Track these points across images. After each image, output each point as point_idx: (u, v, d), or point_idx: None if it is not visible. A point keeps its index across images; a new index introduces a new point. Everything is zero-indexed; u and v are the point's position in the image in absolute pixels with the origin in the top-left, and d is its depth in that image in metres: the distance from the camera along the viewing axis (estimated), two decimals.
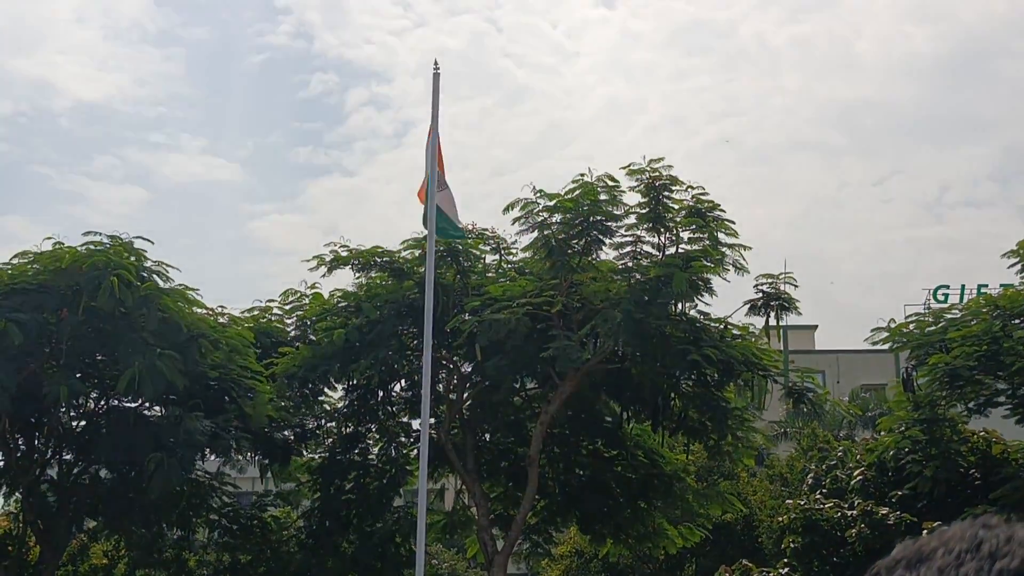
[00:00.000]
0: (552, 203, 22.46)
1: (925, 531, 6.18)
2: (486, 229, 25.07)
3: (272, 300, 28.17)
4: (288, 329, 27.55)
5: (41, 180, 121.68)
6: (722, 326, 23.15)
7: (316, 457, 27.88)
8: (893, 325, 24.14)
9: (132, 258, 22.31)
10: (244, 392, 23.81)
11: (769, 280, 22.98)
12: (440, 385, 25.97)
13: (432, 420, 24.35)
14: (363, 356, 23.74)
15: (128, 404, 24.82)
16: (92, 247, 22.21)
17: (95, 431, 25.20)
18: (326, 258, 25.18)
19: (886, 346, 25.21)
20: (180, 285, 23.44)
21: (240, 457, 26.01)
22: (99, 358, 24.01)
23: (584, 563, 36.59)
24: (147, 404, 24.93)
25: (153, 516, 25.83)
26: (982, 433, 24.12)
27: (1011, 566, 0.91)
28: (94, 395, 25.41)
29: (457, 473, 26.37)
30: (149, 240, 22.96)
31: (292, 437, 26.70)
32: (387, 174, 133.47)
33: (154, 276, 22.78)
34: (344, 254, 25.11)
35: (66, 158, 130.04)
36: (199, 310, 23.86)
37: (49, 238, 22.66)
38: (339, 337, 23.44)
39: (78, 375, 23.53)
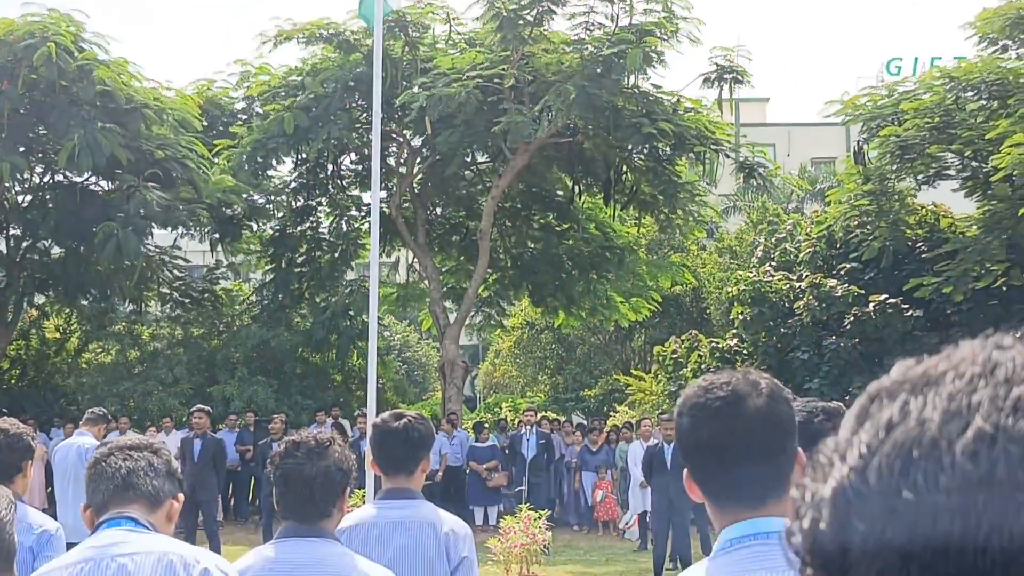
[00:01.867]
0: None
1: (872, 304, 6.15)
2: None
3: (219, 72, 27.61)
4: (235, 102, 27.06)
5: None
6: (675, 99, 22.93)
7: (268, 230, 27.78)
8: (846, 98, 23.97)
9: (71, 28, 21.72)
10: (193, 165, 23.51)
11: (723, 52, 22.66)
12: (391, 159, 25.75)
13: (383, 194, 24.22)
14: (312, 131, 23.38)
15: (75, 179, 24.53)
16: (30, 18, 21.61)
17: (42, 206, 24.96)
18: (270, 33, 24.57)
19: (839, 119, 25.10)
20: (120, 58, 22.92)
21: (194, 232, 25.91)
22: (41, 132, 23.58)
23: (535, 335, 37.11)
24: (94, 178, 24.66)
25: (104, 290, 25.82)
26: (931, 207, 24.29)
27: None
28: (39, 170, 25.09)
29: (408, 247, 26.41)
30: (86, 14, 22.39)
31: (242, 211, 26.53)
32: None
33: (93, 47, 22.22)
34: (288, 28, 24.48)
35: None
36: (141, 82, 23.35)
37: None
38: (288, 122, 22.96)
39: (21, 149, 23.18)
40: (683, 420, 2.49)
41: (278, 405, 23.97)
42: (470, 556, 4.87)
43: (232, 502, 22.93)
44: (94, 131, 21.14)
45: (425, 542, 4.79)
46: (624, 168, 24.42)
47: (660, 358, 27.61)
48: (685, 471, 2.52)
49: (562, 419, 27.16)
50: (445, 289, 27.11)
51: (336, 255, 27.07)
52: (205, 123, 24.63)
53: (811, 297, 23.29)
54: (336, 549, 3.92)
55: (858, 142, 24.75)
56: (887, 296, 22.35)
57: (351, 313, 26.48)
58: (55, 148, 22.74)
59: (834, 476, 0.84)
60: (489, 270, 26.21)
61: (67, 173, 24.25)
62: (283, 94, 24.36)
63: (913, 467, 0.80)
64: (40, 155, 24.43)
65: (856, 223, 23.82)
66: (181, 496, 3.40)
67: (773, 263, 25.61)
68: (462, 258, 27.79)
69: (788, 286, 24.05)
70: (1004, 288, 21.64)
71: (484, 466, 21.71)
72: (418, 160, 25.78)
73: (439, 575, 4.78)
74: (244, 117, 25.90)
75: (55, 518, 10.70)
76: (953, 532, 0.77)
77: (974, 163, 22.49)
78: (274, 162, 24.97)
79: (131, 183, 22.44)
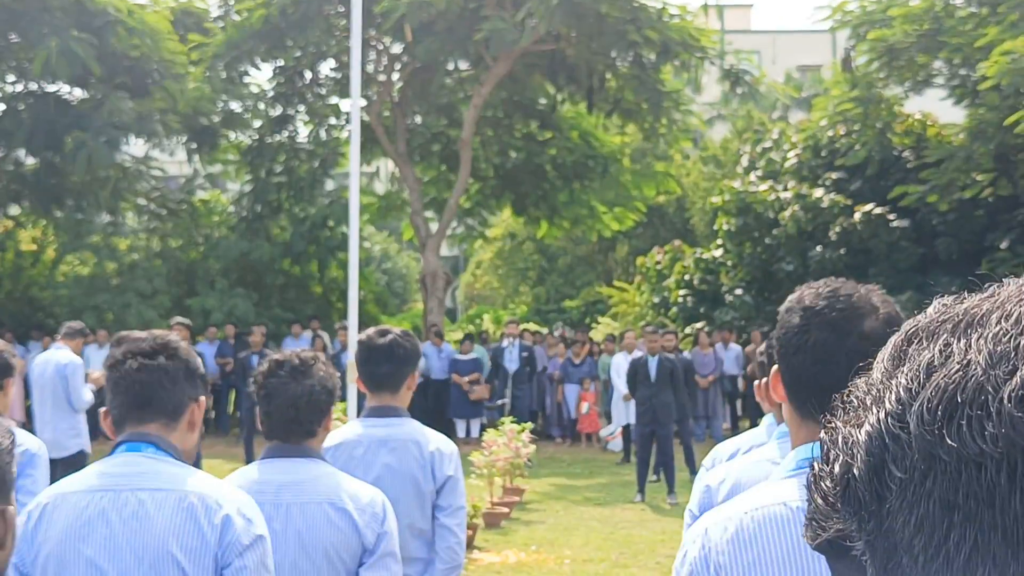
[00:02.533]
0: None
1: (857, 213, 6.21)
2: None
3: None
4: (209, 9, 26.53)
5: None
6: (660, 6, 22.53)
7: (245, 139, 27.39)
8: (835, 3, 23.63)
9: None
10: (167, 74, 23.09)
11: None
12: (370, 66, 25.31)
13: (363, 102, 23.85)
14: (289, 37, 22.96)
15: (48, 88, 24.13)
16: None
17: (15, 116, 24.55)
18: None
19: (826, 25, 24.75)
20: None
21: (168, 141, 25.51)
22: (13, 40, 23.11)
23: (517, 245, 36.95)
24: (68, 88, 24.28)
25: (80, 201, 25.50)
26: (917, 115, 24.06)
27: None
28: (11, 79, 24.65)
29: (389, 156, 26.10)
30: None
31: (219, 120, 26.11)
32: None
33: None
34: None
35: None
36: None
37: None
38: (259, 19, 22.51)
39: None
40: (792, 318, 2.41)
41: (258, 317, 23.80)
42: (455, 475, 4.87)
43: (213, 415, 22.87)
44: (68, 39, 20.75)
45: (410, 460, 4.78)
46: (608, 76, 24.11)
47: (643, 269, 27.53)
48: (774, 368, 2.46)
49: (544, 331, 27.08)
50: (427, 200, 26.86)
51: (315, 165, 26.74)
52: (180, 33, 24.16)
53: (796, 207, 23.13)
54: (323, 469, 3.88)
55: (846, 48, 24.47)
56: (873, 205, 22.21)
57: (331, 224, 26.24)
58: (28, 57, 22.33)
59: (869, 421, 0.79)
60: (471, 180, 25.98)
61: (40, 82, 23.84)
62: None
63: (957, 413, 0.74)
64: (13, 64, 24.00)
65: (842, 131, 23.62)
66: (203, 400, 3.25)
67: (758, 172, 25.41)
68: (443, 168, 27.52)
69: (773, 196, 23.87)
70: (990, 199, 21.51)
71: (466, 379, 21.65)
72: (398, 67, 25.38)
73: (424, 493, 4.80)
74: (221, 26, 25.39)
75: (34, 433, 10.51)
76: (999, 482, 0.72)
77: (962, 71, 22.24)
78: (249, 68, 24.55)
79: (104, 93, 22.08)
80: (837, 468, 0.81)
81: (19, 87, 24.92)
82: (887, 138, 23.07)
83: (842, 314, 2.34)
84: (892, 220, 22.07)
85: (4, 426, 2.31)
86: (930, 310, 0.84)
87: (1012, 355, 0.75)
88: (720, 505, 2.55)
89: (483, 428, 18.48)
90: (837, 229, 22.38)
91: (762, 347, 3.77)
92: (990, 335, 0.77)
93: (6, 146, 24.97)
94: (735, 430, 20.43)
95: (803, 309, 2.40)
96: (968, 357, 0.76)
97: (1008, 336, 0.76)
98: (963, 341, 0.78)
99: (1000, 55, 18.75)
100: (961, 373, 0.76)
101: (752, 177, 25.12)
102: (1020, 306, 0.78)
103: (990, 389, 0.74)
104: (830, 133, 23.84)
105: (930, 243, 22.13)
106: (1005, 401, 0.73)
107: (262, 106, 26.73)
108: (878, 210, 22.09)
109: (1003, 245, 21.17)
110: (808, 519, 0.85)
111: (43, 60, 20.72)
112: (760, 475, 2.95)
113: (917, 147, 23.13)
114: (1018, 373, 0.74)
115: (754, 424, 4.47)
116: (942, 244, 21.96)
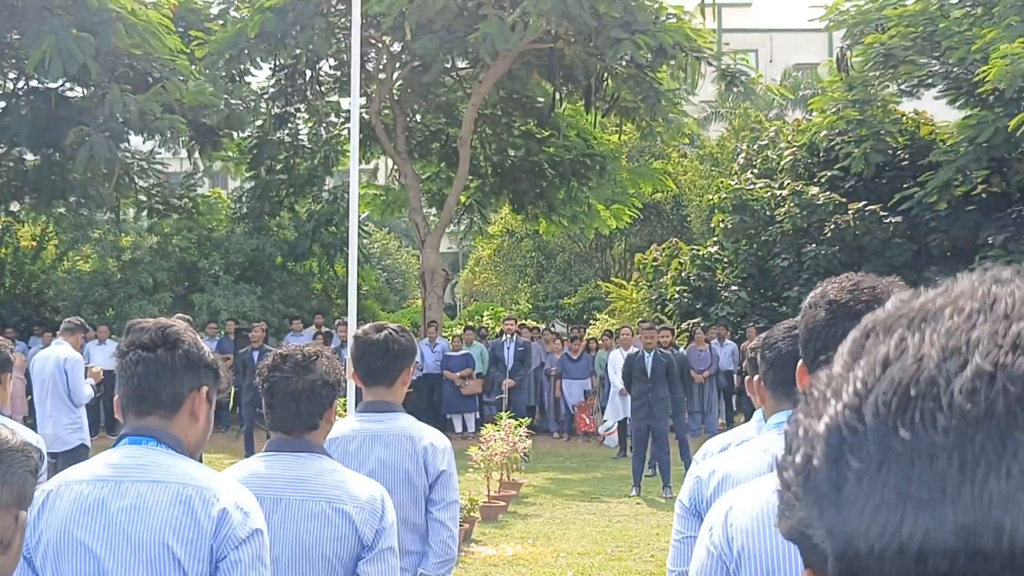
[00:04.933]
0: None
1: (851, 212, 6.30)
2: None
3: None
4: (211, 6, 26.59)
5: None
6: (656, 5, 22.59)
7: (246, 137, 27.43)
8: (830, 3, 23.74)
9: None
10: (168, 73, 23.13)
11: None
12: (369, 64, 25.41)
13: (362, 100, 23.93)
14: (288, 35, 23.03)
15: (50, 85, 24.18)
16: None
17: (14, 112, 24.62)
18: None
19: (822, 24, 24.86)
20: None
21: (172, 141, 25.57)
22: (14, 37, 23.17)
23: (515, 242, 37.02)
24: (68, 85, 24.30)
25: (81, 199, 25.53)
26: (911, 114, 24.18)
27: None
28: (11, 76, 24.70)
29: (388, 154, 26.20)
30: None
31: (220, 119, 26.16)
32: None
33: None
34: None
35: None
36: None
37: None
38: (255, 25, 22.52)
39: None
40: (819, 312, 2.49)
41: (263, 313, 23.89)
42: (448, 469, 4.87)
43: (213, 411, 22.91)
44: (67, 38, 20.77)
45: (403, 455, 4.79)
46: (605, 75, 24.19)
47: (640, 266, 27.65)
48: (800, 362, 2.54)
49: (542, 327, 27.19)
50: (428, 196, 26.93)
51: (316, 162, 26.83)
52: (180, 29, 24.23)
53: (792, 204, 23.26)
54: (324, 464, 3.91)
55: (841, 48, 24.57)
56: (867, 203, 22.34)
57: (335, 219, 26.34)
58: (28, 54, 22.38)
59: (828, 413, 0.82)
60: (470, 177, 26.04)
61: (41, 79, 23.86)
62: None
63: (910, 406, 0.77)
64: (13, 61, 24.05)
65: (837, 132, 23.72)
66: (204, 389, 3.20)
67: (755, 170, 25.54)
68: (442, 165, 27.61)
69: (769, 194, 24.00)
70: (983, 196, 21.64)
71: (457, 374, 21.81)
72: (397, 66, 25.47)
73: (417, 488, 4.80)
74: (221, 23, 25.44)
75: (35, 428, 10.59)
76: (950, 472, 0.75)
77: (956, 69, 22.33)
78: (250, 67, 24.63)
79: (105, 90, 22.10)
80: (799, 459, 0.83)
81: (20, 84, 24.97)
82: (882, 139, 23.18)
83: (868, 306, 2.33)
84: (886, 217, 22.20)
85: (34, 447, 2.42)
86: (888, 305, 0.88)
87: (963, 349, 0.77)
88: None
89: (480, 423, 18.58)
90: (832, 226, 22.51)
91: (753, 343, 3.86)
92: (943, 330, 0.79)
93: (7, 143, 25.04)
94: (730, 425, 20.53)
95: (828, 303, 2.47)
96: (922, 351, 0.79)
97: (960, 331, 0.79)
98: (917, 336, 0.81)
99: (998, 58, 18.78)
100: (915, 367, 0.78)
101: (748, 175, 25.25)
102: (972, 301, 0.82)
103: (942, 382, 0.76)
104: (824, 132, 23.95)
105: (923, 240, 22.25)
106: (956, 394, 0.75)
107: (264, 104, 26.79)
108: (872, 207, 22.23)
109: (996, 242, 21.28)
110: (779, 510, 0.88)
111: (38, 59, 20.74)
112: (749, 466, 3.02)
113: (911, 146, 23.25)
114: (969, 366, 0.76)
115: (749, 419, 4.59)
116: (935, 241, 22.09)
